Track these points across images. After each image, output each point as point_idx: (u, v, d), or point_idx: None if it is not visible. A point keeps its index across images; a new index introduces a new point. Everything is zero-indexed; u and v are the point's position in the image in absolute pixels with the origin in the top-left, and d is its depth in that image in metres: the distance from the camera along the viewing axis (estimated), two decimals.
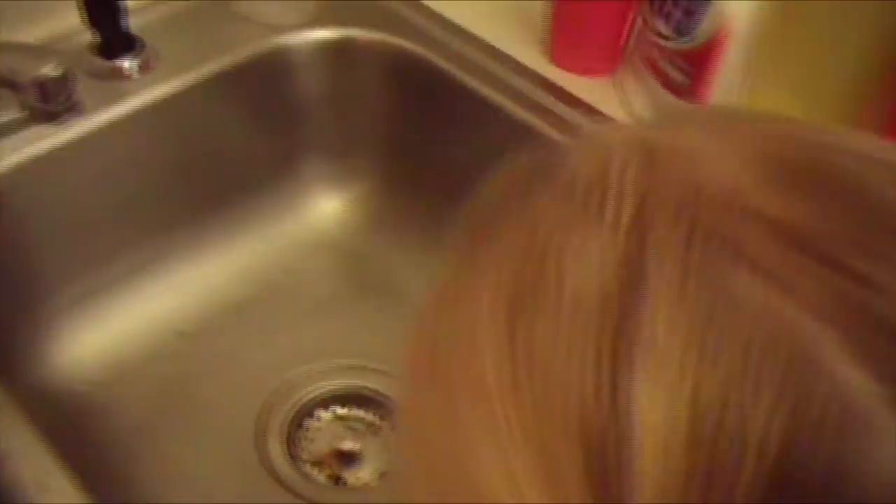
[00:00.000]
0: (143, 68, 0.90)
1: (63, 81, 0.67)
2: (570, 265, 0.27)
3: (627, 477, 0.24)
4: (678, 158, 0.28)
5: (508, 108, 0.90)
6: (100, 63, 0.88)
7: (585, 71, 0.93)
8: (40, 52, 0.70)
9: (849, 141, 0.30)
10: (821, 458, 0.23)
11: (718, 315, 0.24)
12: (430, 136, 0.98)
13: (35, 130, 0.82)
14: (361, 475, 0.89)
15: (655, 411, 0.24)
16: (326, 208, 1.05)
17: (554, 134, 0.87)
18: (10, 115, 0.77)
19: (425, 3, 1.00)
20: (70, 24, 0.87)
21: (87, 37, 0.88)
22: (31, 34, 0.88)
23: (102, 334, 0.94)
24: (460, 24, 0.98)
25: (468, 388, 0.28)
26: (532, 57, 0.95)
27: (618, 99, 0.90)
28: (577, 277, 0.27)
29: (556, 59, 0.94)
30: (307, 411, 0.92)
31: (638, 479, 0.24)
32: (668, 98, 0.84)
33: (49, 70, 0.66)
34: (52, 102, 0.67)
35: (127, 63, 0.89)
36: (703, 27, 0.79)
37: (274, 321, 0.98)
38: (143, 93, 0.89)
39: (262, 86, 0.96)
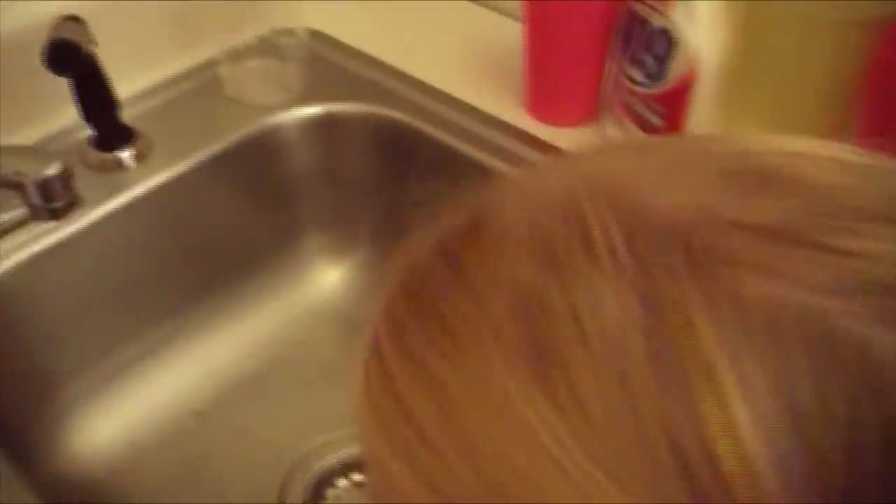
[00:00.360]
0: (139, 158, 0.93)
1: (64, 180, 0.70)
2: (587, 314, 0.27)
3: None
4: (642, 191, 0.30)
5: (493, 165, 0.93)
6: (98, 156, 0.92)
7: (565, 121, 0.95)
8: (42, 153, 0.74)
9: (777, 143, 0.32)
10: (885, 417, 0.25)
11: (744, 321, 0.26)
12: (417, 198, 1.00)
13: (38, 227, 0.85)
14: None
15: (728, 421, 0.25)
16: (326, 279, 1.07)
17: None
18: (14, 213, 0.80)
19: (405, 70, 1.03)
20: (70, 119, 0.91)
21: (86, 131, 0.91)
22: (31, 133, 0.92)
23: (117, 420, 0.95)
24: (439, 86, 1.01)
25: (527, 459, 0.28)
26: (513, 112, 0.97)
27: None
28: (600, 323, 0.27)
29: (535, 112, 0.96)
30: (327, 481, 0.93)
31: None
32: None
33: (51, 170, 0.69)
34: (54, 201, 0.70)
35: (123, 154, 0.92)
36: (673, 70, 0.81)
37: (285, 393, 0.99)
38: (140, 182, 0.92)
39: (254, 165, 0.99)
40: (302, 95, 1.01)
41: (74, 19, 0.82)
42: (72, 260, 0.89)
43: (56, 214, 0.71)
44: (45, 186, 0.69)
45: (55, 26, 0.81)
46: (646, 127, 0.86)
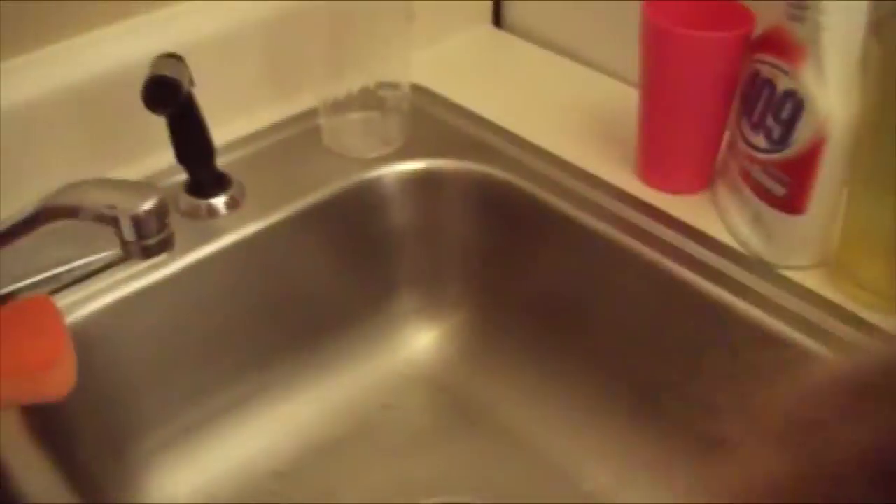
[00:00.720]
0: (233, 205, 0.90)
1: (159, 216, 0.66)
2: None
3: None
4: None
5: (600, 229, 0.89)
6: (191, 201, 0.89)
7: (677, 189, 0.91)
8: (138, 186, 0.70)
9: None
10: None
11: None
12: (522, 263, 0.97)
13: (128, 268, 0.82)
14: None
15: None
16: (420, 341, 1.03)
17: (650, 254, 0.85)
18: (104, 255, 0.77)
19: (510, 129, 0.99)
20: (166, 162, 0.89)
21: (181, 176, 0.89)
22: (127, 174, 0.90)
23: (195, 474, 0.92)
24: (545, 146, 0.97)
25: None
26: (622, 177, 0.93)
27: (714, 215, 0.88)
28: None
29: (647, 178, 0.92)
30: None
31: None
32: (768, 211, 0.81)
33: (147, 205, 0.65)
34: (148, 238, 0.66)
35: (216, 201, 0.89)
36: (799, 136, 0.76)
37: (371, 458, 0.95)
38: (231, 231, 0.89)
39: (350, 219, 0.96)
40: (403, 150, 0.97)
41: (175, 57, 0.80)
42: (158, 307, 0.86)
43: (149, 252, 0.67)
44: (139, 222, 0.65)
45: (155, 63, 0.78)
46: (766, 197, 0.81)
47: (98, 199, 0.64)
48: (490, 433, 0.96)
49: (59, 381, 0.72)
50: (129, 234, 0.64)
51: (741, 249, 0.84)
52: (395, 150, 0.97)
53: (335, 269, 0.98)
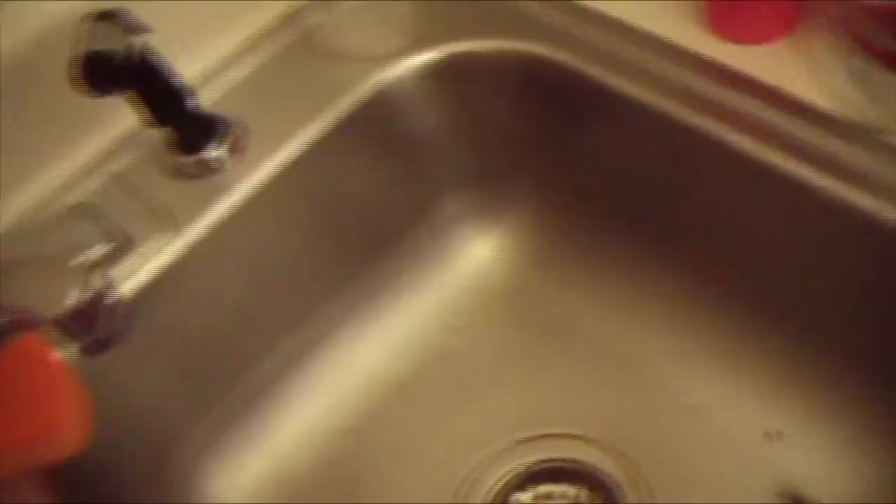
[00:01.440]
0: (235, 151, 0.77)
1: (96, 301, 0.50)
2: None
3: None
4: None
5: (664, 102, 0.74)
6: (180, 161, 0.76)
7: (755, 38, 0.74)
8: (55, 264, 0.53)
9: None
10: None
11: None
12: (580, 149, 0.84)
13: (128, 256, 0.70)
14: None
15: None
16: (479, 253, 0.92)
17: (730, 132, 0.70)
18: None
19: None
20: (133, 121, 0.75)
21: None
22: (88, 150, 0.78)
23: (260, 453, 0.84)
24: (591, 4, 0.81)
25: None
26: (686, 29, 0.77)
27: (805, 70, 0.71)
28: None
29: (718, 27, 0.75)
30: (504, 498, 0.80)
31: None
32: (874, 69, 0.65)
33: (74, 297, 0.49)
34: (93, 331, 0.51)
35: (212, 153, 0.76)
36: None
37: (448, 395, 0.86)
38: (241, 181, 0.76)
39: (376, 131, 0.83)
40: (418, 38, 0.82)
41: (107, 17, 0.64)
42: (171, 296, 0.75)
43: (104, 345, 0.53)
44: (78, 317, 0.50)
45: (82, 37, 0.63)
46: (874, 50, 0.64)
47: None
48: (578, 347, 0.86)
49: (73, 438, 0.62)
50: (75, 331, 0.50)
51: (838, 115, 0.68)
52: (412, 40, 0.82)
53: (370, 191, 0.86)
